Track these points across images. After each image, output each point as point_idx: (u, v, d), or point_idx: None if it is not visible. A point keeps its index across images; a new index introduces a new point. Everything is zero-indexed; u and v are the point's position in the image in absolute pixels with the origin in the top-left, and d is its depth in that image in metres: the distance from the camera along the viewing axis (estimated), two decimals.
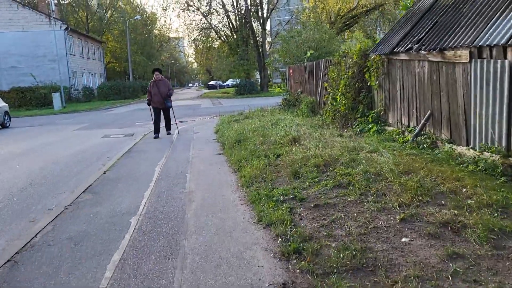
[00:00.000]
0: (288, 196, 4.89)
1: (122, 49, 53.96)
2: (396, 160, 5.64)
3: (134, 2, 61.73)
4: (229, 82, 54.95)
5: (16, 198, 6.32)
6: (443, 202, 4.14)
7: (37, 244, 4.20)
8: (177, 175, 6.98)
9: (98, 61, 47.57)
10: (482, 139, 5.63)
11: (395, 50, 7.76)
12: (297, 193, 4.96)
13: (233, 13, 39.11)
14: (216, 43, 43.57)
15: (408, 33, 7.77)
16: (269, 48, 42.34)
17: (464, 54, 5.86)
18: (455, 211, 3.81)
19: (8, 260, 3.83)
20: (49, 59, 34.85)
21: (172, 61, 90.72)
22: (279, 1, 39.35)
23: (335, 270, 3.08)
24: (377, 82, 8.70)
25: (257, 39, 38.56)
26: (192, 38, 41.73)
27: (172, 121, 12.93)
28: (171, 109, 12.31)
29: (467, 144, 5.97)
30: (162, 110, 12.11)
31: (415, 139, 6.90)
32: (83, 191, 6.32)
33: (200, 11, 39.18)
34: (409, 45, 7.29)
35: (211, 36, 41.71)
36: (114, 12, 55.37)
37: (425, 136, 6.85)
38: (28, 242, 4.26)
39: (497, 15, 5.66)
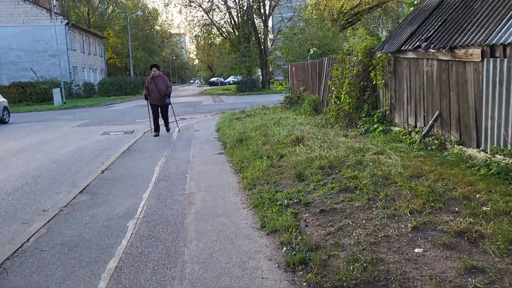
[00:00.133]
0: (292, 200, 4.68)
1: (123, 45, 53.67)
2: (404, 163, 5.43)
3: None
4: (231, 79, 54.66)
5: (11, 198, 6.12)
6: (456, 209, 3.93)
7: (29, 250, 4.00)
8: (177, 176, 6.78)
9: (99, 57, 47.32)
10: (494, 141, 5.41)
11: (402, 48, 7.53)
12: (302, 197, 4.75)
13: (235, 10, 38.83)
14: (218, 40, 43.30)
15: (415, 31, 7.54)
16: (271, 45, 42.04)
17: (476, 52, 5.63)
18: (471, 219, 3.61)
19: None
20: (49, 54, 34.64)
21: (174, 58, 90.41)
22: None
23: (344, 284, 2.88)
24: (382, 81, 8.47)
25: (259, 36, 38.28)
26: (194, 35, 41.42)
27: (172, 119, 12.72)
28: (170, 106, 11.97)
29: (478, 146, 5.76)
30: (160, 107, 11.77)
31: (422, 140, 6.69)
32: (80, 192, 6.12)
33: (202, 7, 38.91)
34: (417, 43, 7.07)
35: (213, 33, 41.42)
36: (115, 8, 55.06)
37: (433, 137, 6.63)
38: (19, 247, 4.06)
39: (511, 13, 5.43)
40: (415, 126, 7.39)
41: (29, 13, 35.06)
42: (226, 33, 40.58)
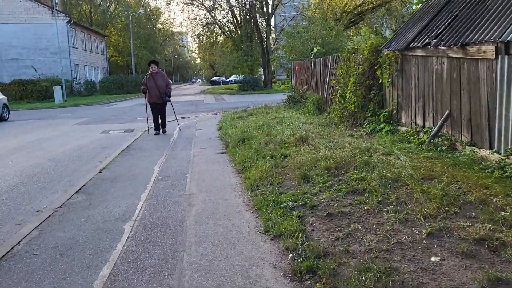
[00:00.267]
0: (297, 203, 4.45)
1: (125, 43, 53.50)
2: (414, 164, 5.20)
3: None
4: (232, 78, 54.43)
5: (5, 197, 5.91)
6: (473, 213, 3.69)
7: (19, 253, 3.78)
8: (177, 176, 6.55)
9: (101, 55, 47.14)
10: (508, 142, 5.17)
11: (410, 46, 7.29)
12: (308, 199, 4.52)
13: (238, 8, 38.55)
14: (220, 39, 43.07)
15: (424, 28, 7.30)
16: (274, 44, 41.76)
17: (489, 50, 5.39)
18: (490, 225, 3.37)
19: None
20: (51, 52, 34.46)
21: (175, 56, 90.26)
22: None
23: None
24: (389, 80, 8.23)
25: (262, 35, 38.00)
26: (196, 33, 41.24)
27: (173, 117, 12.47)
28: (169, 104, 11.56)
29: (490, 147, 5.51)
30: (158, 105, 11.29)
31: (432, 140, 6.45)
32: (76, 192, 5.90)
33: (204, 6, 38.66)
34: (427, 41, 6.82)
35: (215, 31, 41.19)
36: (117, 6, 54.92)
37: (443, 137, 6.39)
38: (9, 251, 3.84)
39: None
40: (424, 126, 7.15)
41: (30, 11, 34.88)
42: (228, 32, 40.33)
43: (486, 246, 3.11)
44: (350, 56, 10.00)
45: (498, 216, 3.52)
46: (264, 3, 37.64)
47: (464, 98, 6.02)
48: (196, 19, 39.47)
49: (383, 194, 4.32)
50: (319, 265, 3.04)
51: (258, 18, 38.08)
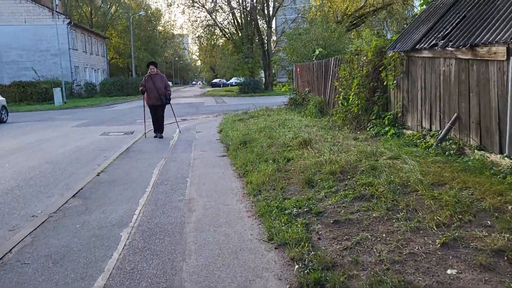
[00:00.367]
0: (302, 209, 4.26)
1: (125, 45, 53.38)
2: (422, 169, 5.01)
3: None
4: (233, 80, 54.28)
5: (0, 201, 5.72)
6: (488, 222, 3.50)
7: (10, 262, 3.59)
8: (177, 179, 6.37)
9: (101, 57, 47.01)
10: None
11: (416, 47, 7.11)
12: (313, 205, 4.33)
13: (239, 11, 38.47)
14: (221, 41, 42.92)
15: (431, 29, 7.12)
16: (275, 47, 41.64)
17: (500, 51, 5.21)
18: (508, 235, 3.17)
19: None
20: (51, 54, 34.32)
21: (176, 58, 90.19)
22: None
23: None
24: (394, 82, 8.05)
25: (263, 37, 37.88)
26: (197, 35, 41.12)
27: (172, 120, 12.26)
28: (169, 106, 11.26)
29: (501, 152, 5.32)
30: (157, 107, 10.96)
31: (439, 144, 6.26)
32: (73, 196, 5.72)
33: (205, 8, 38.55)
34: (434, 41, 6.65)
35: (216, 34, 41.06)
36: (118, 8, 54.81)
37: (451, 141, 6.20)
38: (0, 259, 3.65)
39: None
40: (430, 129, 6.96)
41: (31, 12, 34.76)
42: (229, 34, 40.20)
43: (506, 258, 2.92)
44: (353, 58, 9.83)
45: None
46: (265, 5, 37.54)
47: (473, 100, 5.84)
48: (196, 21, 39.39)
49: (392, 201, 4.13)
50: (327, 278, 2.85)
51: (259, 20, 37.96)
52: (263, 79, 41.02)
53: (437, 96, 6.74)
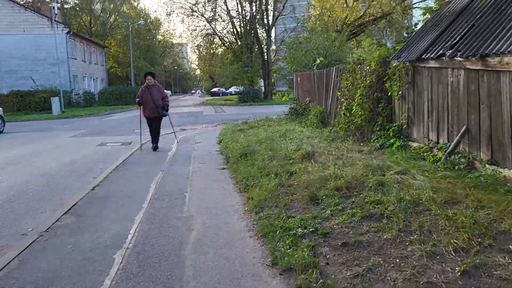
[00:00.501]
0: (308, 229, 3.99)
1: (124, 54, 53.31)
2: (433, 185, 4.76)
3: (138, 7, 61.31)
4: (232, 89, 54.16)
5: None
6: (510, 247, 3.24)
7: None
8: (175, 194, 6.10)
9: (100, 66, 46.91)
10: None
11: (423, 57, 6.90)
12: (319, 225, 4.07)
13: (238, 20, 38.45)
14: (220, 50, 42.88)
15: (438, 38, 6.92)
16: (274, 56, 41.59)
17: None
18: None
19: None
20: (50, 63, 34.15)
21: (175, 67, 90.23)
22: (284, 8, 38.65)
23: None
24: (399, 92, 7.83)
25: (262, 46, 37.83)
26: (196, 44, 41.07)
27: (170, 130, 11.97)
28: (165, 117, 10.77)
29: None
30: (153, 119, 10.51)
31: (448, 158, 6.02)
32: (66, 212, 5.45)
33: (205, 17, 38.52)
34: (441, 51, 6.44)
35: (215, 43, 41.01)
36: (117, 17, 54.86)
37: (460, 155, 5.96)
38: None
39: None
40: (438, 142, 6.72)
41: (30, 21, 34.68)
42: (228, 43, 40.13)
43: None
44: (355, 68, 9.63)
45: None
46: (264, 14, 37.55)
47: (484, 113, 5.61)
48: (196, 30, 39.32)
49: (404, 221, 3.87)
50: None
51: (258, 29, 37.92)
52: (263, 88, 40.91)
53: (445, 108, 6.51)
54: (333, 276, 3.11)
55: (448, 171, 5.51)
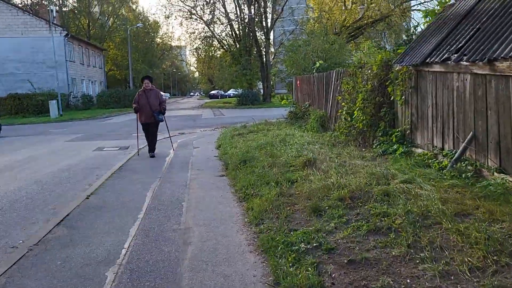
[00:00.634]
0: (311, 244, 3.78)
1: (123, 57, 53.10)
2: (441, 195, 4.56)
3: (137, 10, 61.16)
4: (231, 92, 54.03)
5: None
6: None
7: None
8: (172, 203, 5.89)
9: (99, 69, 46.73)
10: None
11: (427, 61, 6.71)
12: (322, 240, 3.86)
13: (236, 22, 38.31)
14: (219, 52, 42.73)
15: (442, 42, 6.73)
16: (273, 58, 41.44)
17: None
18: None
19: None
20: (48, 66, 33.93)
21: (174, 70, 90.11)
22: (283, 11, 38.50)
23: None
24: (402, 97, 7.64)
25: (261, 48, 37.68)
26: (194, 47, 40.93)
27: (166, 135, 11.67)
28: (162, 123, 10.44)
29: None
30: (150, 125, 10.17)
31: (454, 165, 5.82)
32: (58, 223, 5.24)
33: (203, 20, 38.42)
34: (446, 55, 6.24)
35: (214, 45, 40.90)
36: (116, 20, 54.66)
37: (466, 162, 5.76)
38: None
39: None
40: (442, 149, 6.53)
41: (28, 24, 34.51)
42: (227, 46, 40.01)
43: None
44: (356, 71, 9.45)
45: None
46: (263, 17, 37.40)
47: (492, 119, 5.41)
48: (194, 33, 39.24)
49: (413, 236, 3.66)
50: None
51: (257, 32, 37.80)
52: (261, 90, 40.74)
53: (450, 114, 6.32)
54: None
55: (455, 180, 5.31)
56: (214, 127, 17.79)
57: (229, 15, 38.19)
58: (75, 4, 51.48)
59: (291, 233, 4.12)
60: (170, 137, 11.67)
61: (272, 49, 43.53)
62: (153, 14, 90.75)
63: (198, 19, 38.57)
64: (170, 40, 64.07)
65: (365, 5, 35.82)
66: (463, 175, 5.48)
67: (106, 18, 54.57)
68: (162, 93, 24.79)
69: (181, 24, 48.74)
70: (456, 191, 4.80)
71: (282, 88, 44.73)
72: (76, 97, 36.17)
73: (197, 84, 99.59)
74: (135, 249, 4.20)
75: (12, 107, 30.38)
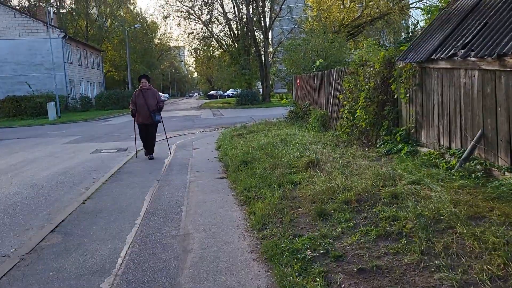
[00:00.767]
0: (317, 251, 3.58)
1: (121, 58, 52.87)
2: (452, 197, 4.35)
3: (135, 11, 60.90)
4: (230, 92, 53.79)
5: None
6: None
7: None
8: (171, 208, 5.69)
9: (97, 70, 46.50)
10: None
11: (432, 57, 6.50)
12: (329, 246, 3.65)
13: (235, 22, 38.09)
14: (217, 52, 42.49)
15: (447, 37, 6.53)
16: (272, 58, 41.23)
17: None
18: None
19: None
20: (46, 68, 33.73)
21: (173, 70, 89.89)
22: (281, 10, 38.29)
23: None
24: (407, 95, 7.44)
25: (259, 48, 37.46)
26: (193, 47, 40.64)
27: (163, 137, 11.36)
28: (159, 124, 10.07)
29: None
30: (147, 126, 9.80)
31: (463, 165, 5.61)
32: (52, 230, 5.04)
33: (201, 20, 38.18)
34: (452, 51, 6.04)
35: (212, 45, 40.67)
36: (114, 21, 54.44)
37: (475, 161, 5.56)
38: None
39: None
40: (450, 148, 6.32)
41: (25, 26, 34.31)
42: (225, 46, 39.78)
43: None
44: (358, 69, 9.24)
45: None
46: (261, 16, 37.20)
47: (502, 116, 5.21)
48: (193, 33, 38.96)
49: (426, 241, 3.46)
50: None
51: (255, 32, 37.57)
52: (261, 90, 40.53)
53: (457, 111, 6.11)
54: None
55: (465, 180, 5.10)
56: (214, 128, 17.58)
57: (227, 14, 38.00)
58: (73, 6, 51.28)
59: (296, 239, 3.91)
60: (167, 138, 11.17)
61: (271, 49, 43.31)
62: (151, 15, 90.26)
63: (196, 19, 38.36)
64: (168, 40, 63.81)
65: (364, 3, 35.65)
66: (473, 175, 5.27)
67: (104, 19, 54.31)
68: (161, 93, 24.62)
69: (179, 24, 48.34)
70: (467, 192, 4.60)
71: (281, 87, 44.56)
72: (74, 98, 35.95)
73: (196, 84, 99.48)
74: (132, 258, 3.99)
75: (10, 109, 30.21)
